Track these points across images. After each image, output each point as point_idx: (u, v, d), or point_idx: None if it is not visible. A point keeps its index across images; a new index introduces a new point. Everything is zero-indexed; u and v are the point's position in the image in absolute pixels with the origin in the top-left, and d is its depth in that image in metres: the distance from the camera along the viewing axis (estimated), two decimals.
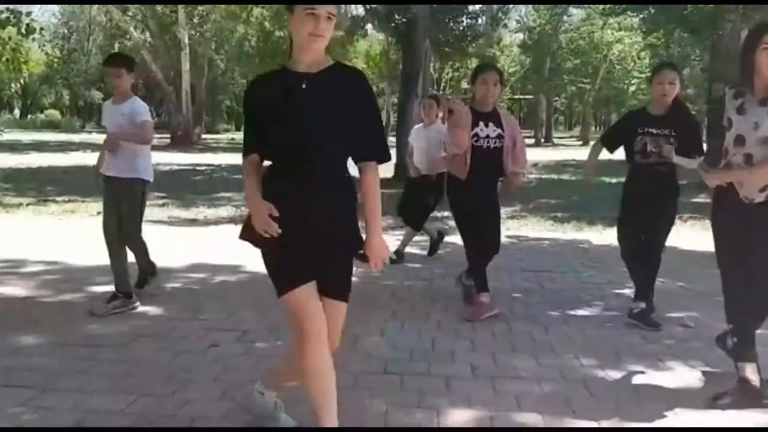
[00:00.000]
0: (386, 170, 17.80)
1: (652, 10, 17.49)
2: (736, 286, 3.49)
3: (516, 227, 9.15)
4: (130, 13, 31.28)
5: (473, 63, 42.28)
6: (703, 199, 12.30)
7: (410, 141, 7.24)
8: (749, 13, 14.44)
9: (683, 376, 3.70)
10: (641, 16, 20.40)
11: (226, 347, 4.03)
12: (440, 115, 6.91)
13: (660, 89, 4.57)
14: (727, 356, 3.75)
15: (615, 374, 3.70)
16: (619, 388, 3.52)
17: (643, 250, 4.73)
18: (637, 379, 3.63)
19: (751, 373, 3.34)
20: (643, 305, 4.64)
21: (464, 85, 51.54)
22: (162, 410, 3.11)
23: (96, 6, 39.03)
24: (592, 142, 5.40)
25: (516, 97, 48.28)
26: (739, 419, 3.16)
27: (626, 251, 4.82)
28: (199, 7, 31.92)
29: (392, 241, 7.85)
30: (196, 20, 33.21)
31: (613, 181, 16.42)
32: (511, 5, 30.98)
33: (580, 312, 5.00)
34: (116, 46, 38.62)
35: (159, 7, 30.71)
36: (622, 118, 5.27)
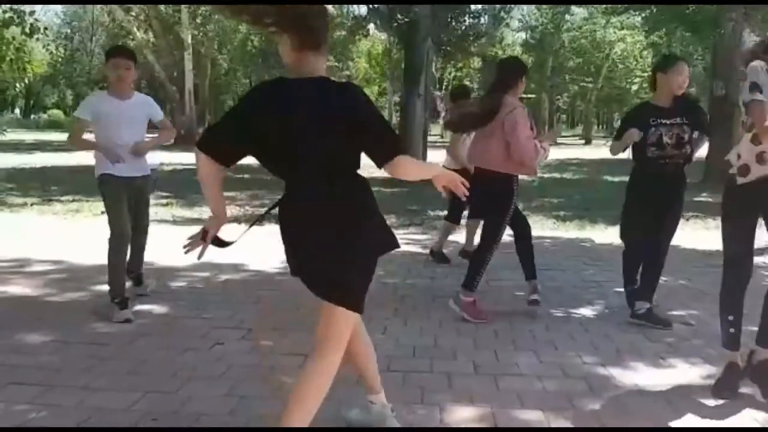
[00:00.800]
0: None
1: (654, 10, 17.50)
2: (741, 279, 3.60)
3: None
4: (133, 13, 31.33)
5: (475, 62, 42.38)
6: (705, 197, 12.33)
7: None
8: (750, 12, 14.44)
9: (684, 373, 3.72)
10: (643, 15, 20.41)
11: (230, 345, 4.06)
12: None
13: (681, 81, 4.59)
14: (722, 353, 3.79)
15: (616, 372, 3.72)
16: (620, 385, 3.54)
17: (648, 249, 4.74)
18: (638, 377, 3.65)
19: (740, 359, 3.57)
20: (647, 305, 4.64)
21: (466, 84, 51.55)
22: (167, 407, 3.14)
23: (99, 6, 39.07)
24: (607, 142, 5.27)
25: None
26: (740, 418, 3.18)
27: (632, 249, 4.85)
28: (202, 7, 31.94)
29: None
30: (199, 20, 33.25)
31: (615, 180, 16.47)
32: (514, 4, 31.02)
33: (582, 310, 5.03)
34: None
35: (162, 7, 30.77)
36: (629, 113, 5.13)
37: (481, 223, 5.16)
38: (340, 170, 2.53)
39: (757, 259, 6.96)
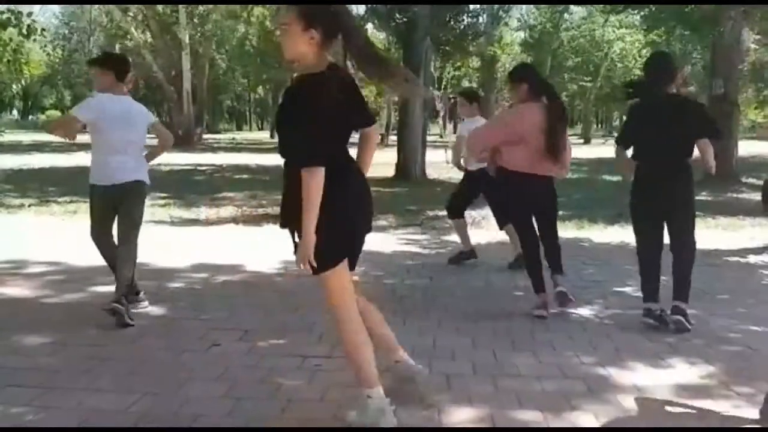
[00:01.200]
0: (387, 170, 17.57)
1: (653, 8, 17.49)
2: None
3: None
4: (131, 14, 31.32)
5: (474, 62, 42.35)
6: (704, 196, 12.34)
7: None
8: (750, 11, 14.44)
9: (683, 373, 3.71)
10: (642, 13, 20.40)
11: (228, 346, 4.05)
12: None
13: None
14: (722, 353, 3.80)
15: (615, 372, 3.71)
16: (619, 385, 3.52)
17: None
18: (636, 377, 3.63)
19: None
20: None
21: (465, 83, 51.47)
22: (164, 409, 3.13)
23: (97, 6, 39.06)
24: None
25: None
26: (740, 419, 3.17)
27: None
28: (200, 7, 31.94)
29: (393, 240, 7.88)
30: (196, 20, 33.24)
31: (614, 179, 16.45)
32: (512, 3, 30.99)
33: (581, 310, 5.01)
34: (117, 46, 38.69)
35: (160, 7, 30.76)
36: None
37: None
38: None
39: (755, 258, 7.01)
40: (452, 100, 45.95)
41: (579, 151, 29.44)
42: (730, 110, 15.59)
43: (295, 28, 2.71)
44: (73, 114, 4.64)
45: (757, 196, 12.62)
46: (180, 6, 30.18)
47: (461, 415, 3.14)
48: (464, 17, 19.19)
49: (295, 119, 2.71)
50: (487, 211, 8.14)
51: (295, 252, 2.75)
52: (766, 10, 14.25)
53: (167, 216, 9.61)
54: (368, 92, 54.29)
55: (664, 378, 3.62)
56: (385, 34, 27.78)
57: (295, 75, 2.91)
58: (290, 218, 2.80)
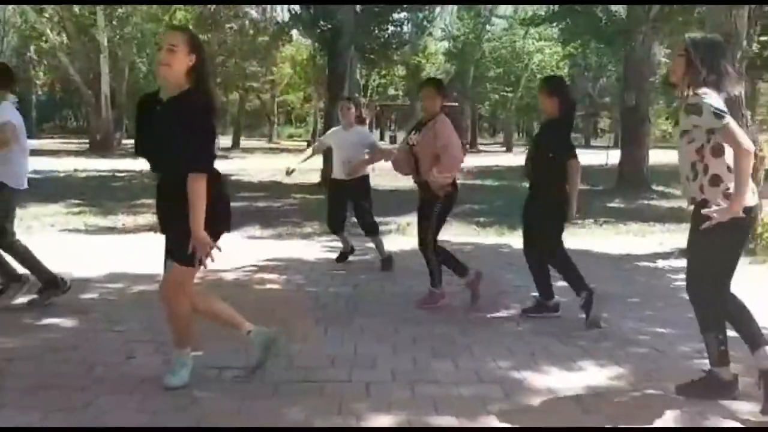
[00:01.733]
0: (312, 176, 17.36)
1: (569, 22, 18.07)
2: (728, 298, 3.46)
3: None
4: (46, 15, 30.16)
5: (399, 70, 42.78)
6: (617, 203, 12.84)
7: (323, 140, 7.37)
8: (658, 26, 15.12)
9: (594, 375, 3.83)
10: (560, 27, 21.05)
11: (143, 359, 3.95)
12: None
13: None
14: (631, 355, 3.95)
15: (529, 375, 3.80)
16: (533, 389, 3.62)
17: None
18: (550, 380, 3.74)
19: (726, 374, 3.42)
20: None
21: (391, 92, 51.80)
22: (75, 424, 3.03)
23: (10, 6, 37.40)
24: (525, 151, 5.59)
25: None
26: (648, 415, 3.30)
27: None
28: (119, 9, 31.03)
29: (318, 248, 7.86)
30: (115, 22, 32.28)
31: None
32: (437, 10, 31.36)
33: (499, 314, 5.13)
34: (32, 48, 37.20)
35: (77, 8, 29.73)
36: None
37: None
38: None
39: (664, 263, 7.33)
40: (378, 108, 46.22)
41: (501, 159, 30.08)
42: (642, 121, 16.28)
43: (182, 49, 3.21)
44: (11, 120, 4.65)
45: (666, 204, 13.21)
46: (98, 7, 29.24)
47: (379, 421, 3.15)
48: (388, 26, 19.30)
49: (185, 128, 3.12)
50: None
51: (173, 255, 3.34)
52: (673, 25, 14.95)
53: (82, 224, 9.30)
54: (294, 98, 54.15)
55: (575, 381, 3.73)
56: (310, 41, 27.73)
57: (178, 92, 3.25)
58: (171, 223, 3.33)
